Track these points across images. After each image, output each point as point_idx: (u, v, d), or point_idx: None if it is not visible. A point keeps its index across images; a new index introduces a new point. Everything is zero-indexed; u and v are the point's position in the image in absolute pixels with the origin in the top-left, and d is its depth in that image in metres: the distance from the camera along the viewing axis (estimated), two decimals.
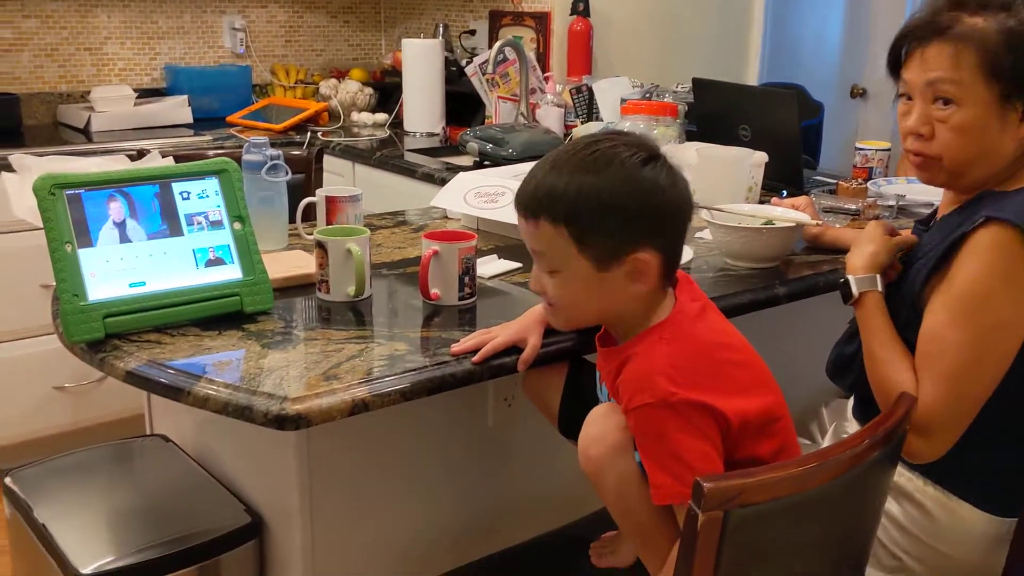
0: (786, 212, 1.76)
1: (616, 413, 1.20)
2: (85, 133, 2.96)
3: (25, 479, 1.55)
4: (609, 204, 1.13)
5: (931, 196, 2.14)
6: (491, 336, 1.32)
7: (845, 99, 4.21)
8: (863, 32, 4.16)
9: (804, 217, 1.72)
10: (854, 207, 2.02)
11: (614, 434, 1.18)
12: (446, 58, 3.24)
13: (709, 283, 1.63)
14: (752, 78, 3.72)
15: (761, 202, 2.13)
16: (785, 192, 2.26)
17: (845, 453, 1.07)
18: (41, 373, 2.66)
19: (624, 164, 1.15)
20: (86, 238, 1.33)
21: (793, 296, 1.64)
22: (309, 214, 1.85)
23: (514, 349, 1.33)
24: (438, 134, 3.18)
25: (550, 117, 2.88)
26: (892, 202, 2.10)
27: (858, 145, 2.42)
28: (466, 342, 1.32)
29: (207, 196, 1.45)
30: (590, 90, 2.89)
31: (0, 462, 2.34)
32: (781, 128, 2.26)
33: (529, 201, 1.18)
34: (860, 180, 2.21)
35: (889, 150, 2.41)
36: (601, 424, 1.20)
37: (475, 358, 1.30)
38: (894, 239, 1.44)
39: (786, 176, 2.27)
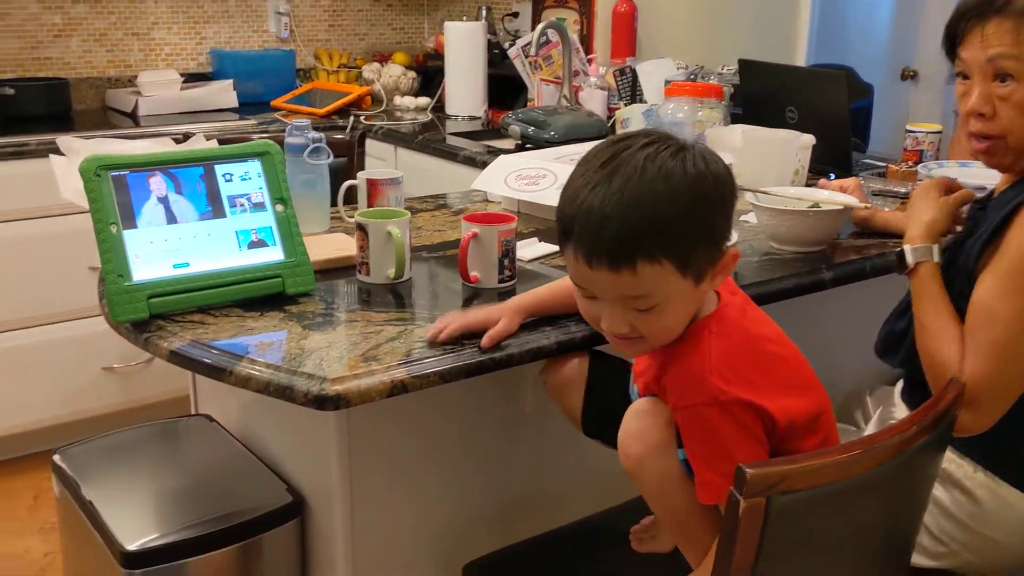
0: (833, 195, 1.73)
1: (656, 410, 1.16)
2: (132, 117, 3.00)
3: (73, 457, 1.58)
4: (694, 213, 1.05)
5: (984, 180, 2.09)
6: (464, 316, 1.29)
7: (895, 81, 4.12)
8: (914, 13, 4.06)
9: (852, 200, 1.69)
10: (903, 190, 1.97)
11: (655, 432, 1.14)
12: (488, 41, 3.22)
13: (754, 267, 1.61)
14: (800, 59, 3.65)
15: (808, 185, 2.10)
16: (833, 175, 2.22)
17: (892, 439, 1.04)
18: (90, 354, 2.71)
19: (675, 166, 1.05)
20: (131, 220, 1.35)
21: (840, 280, 1.61)
22: (351, 197, 1.86)
23: (553, 336, 1.32)
24: (480, 117, 3.17)
25: (593, 100, 2.85)
26: None
27: (908, 127, 2.37)
28: (436, 325, 1.28)
29: (250, 178, 1.45)
30: (634, 72, 2.86)
31: (50, 441, 2.40)
32: (830, 110, 2.21)
33: (617, 248, 1.03)
34: (910, 163, 2.16)
35: (940, 133, 2.35)
36: (641, 421, 1.16)
37: (427, 335, 1.26)
38: (951, 199, 1.43)
39: (834, 159, 2.23)
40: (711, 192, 1.06)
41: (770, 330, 1.19)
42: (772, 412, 1.10)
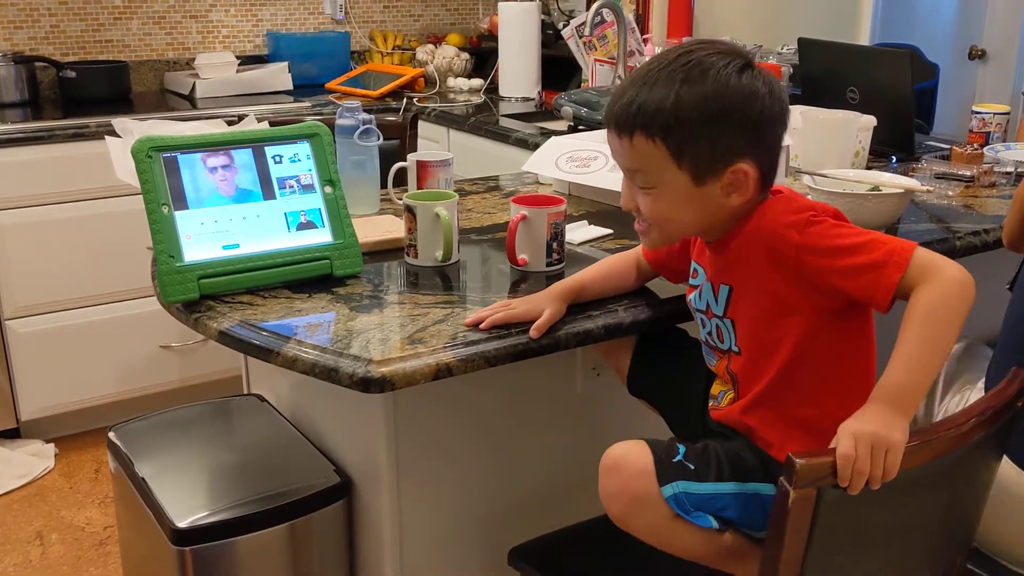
0: (894, 178, 1.67)
1: (625, 460, 1.16)
2: (190, 99, 3.04)
3: (127, 434, 1.61)
4: (707, 115, 1.10)
5: None
6: (509, 308, 1.28)
7: (963, 61, 3.99)
8: None
9: (913, 183, 1.64)
10: (968, 173, 1.91)
11: (630, 486, 1.15)
12: (543, 21, 3.19)
13: None
14: (864, 39, 3.55)
15: (869, 167, 2.04)
16: (895, 157, 2.16)
17: (949, 432, 1.01)
18: (149, 332, 2.76)
19: (720, 73, 1.10)
20: (182, 201, 1.36)
21: None
22: (401, 179, 1.86)
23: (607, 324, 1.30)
24: (533, 99, 3.15)
25: None
26: (1010, 168, 1.98)
27: (975, 108, 2.29)
28: (481, 313, 1.27)
29: (299, 160, 1.46)
30: None
31: (110, 417, 2.45)
32: (892, 90, 2.15)
33: (622, 117, 1.14)
34: (976, 145, 2.09)
35: (1008, 114, 2.27)
36: (614, 479, 1.16)
37: (469, 320, 1.26)
38: None
39: (897, 141, 2.17)
40: (736, 105, 1.10)
41: None
42: None
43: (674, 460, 1.16)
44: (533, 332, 1.26)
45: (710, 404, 1.30)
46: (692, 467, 1.16)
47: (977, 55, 3.99)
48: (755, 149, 1.13)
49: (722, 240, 1.20)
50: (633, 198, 1.19)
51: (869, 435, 0.96)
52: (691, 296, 1.29)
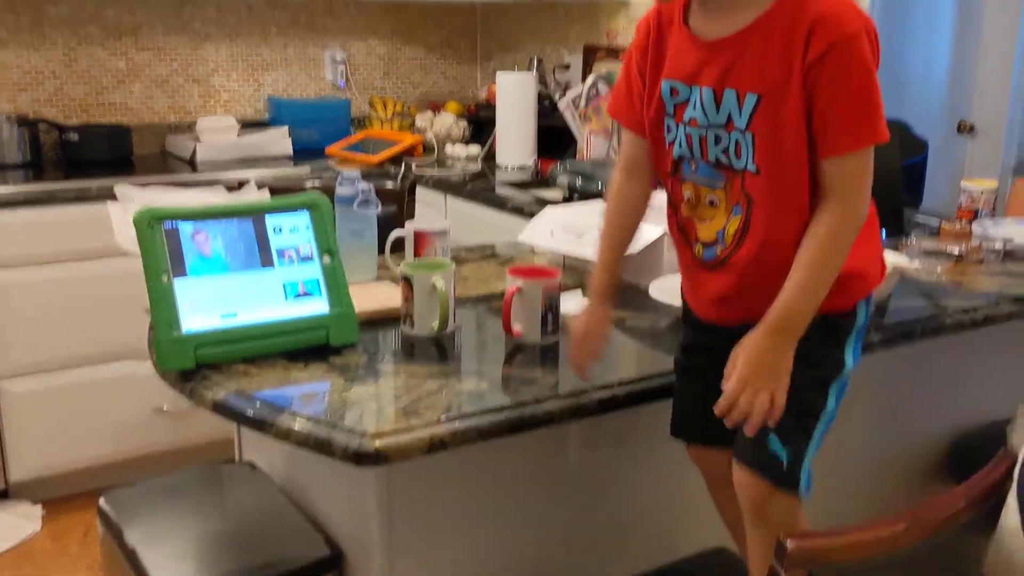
0: (884, 255, 1.70)
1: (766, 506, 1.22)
2: (191, 163, 3.08)
3: (118, 502, 1.60)
4: None
5: None
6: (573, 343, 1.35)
7: (952, 135, 4.07)
8: (970, 65, 4.02)
9: (902, 261, 1.66)
10: (957, 250, 1.94)
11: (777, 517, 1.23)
12: (539, 92, 3.26)
13: None
14: None
15: None
16: (885, 232, 2.19)
17: (938, 513, 1.02)
18: (143, 394, 2.75)
19: None
20: (181, 269, 1.38)
21: (888, 343, 1.58)
22: (398, 246, 1.88)
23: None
24: (529, 167, 3.19)
25: None
26: (999, 245, 2.01)
27: (963, 184, 2.33)
28: (578, 362, 1.35)
29: (298, 230, 1.48)
30: None
31: (101, 479, 2.44)
32: (880, 167, 2.18)
33: None
34: (965, 221, 2.12)
35: (996, 190, 2.31)
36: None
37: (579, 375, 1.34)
38: None
39: (886, 217, 2.19)
40: None
41: None
42: None
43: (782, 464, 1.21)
44: (579, 373, 1.34)
45: (701, 257, 1.28)
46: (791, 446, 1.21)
47: (966, 129, 4.07)
48: None
49: (734, 5, 1.14)
50: None
51: (756, 375, 1.13)
52: (687, 115, 1.22)
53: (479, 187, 2.88)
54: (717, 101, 1.17)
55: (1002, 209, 2.43)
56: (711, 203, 1.25)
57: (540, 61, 3.42)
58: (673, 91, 1.22)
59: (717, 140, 1.20)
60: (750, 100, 1.14)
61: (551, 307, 1.49)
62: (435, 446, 1.19)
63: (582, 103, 2.92)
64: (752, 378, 1.13)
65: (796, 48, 1.09)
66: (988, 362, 1.94)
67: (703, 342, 1.35)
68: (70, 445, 2.71)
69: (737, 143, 1.18)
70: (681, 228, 1.31)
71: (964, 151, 4.09)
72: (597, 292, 1.37)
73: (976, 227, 2.15)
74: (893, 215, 2.19)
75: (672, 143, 1.25)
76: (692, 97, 1.20)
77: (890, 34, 3.77)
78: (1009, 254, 2.01)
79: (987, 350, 1.86)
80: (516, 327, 1.49)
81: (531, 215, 2.48)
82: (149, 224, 1.36)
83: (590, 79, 2.81)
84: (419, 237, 1.80)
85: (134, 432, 2.79)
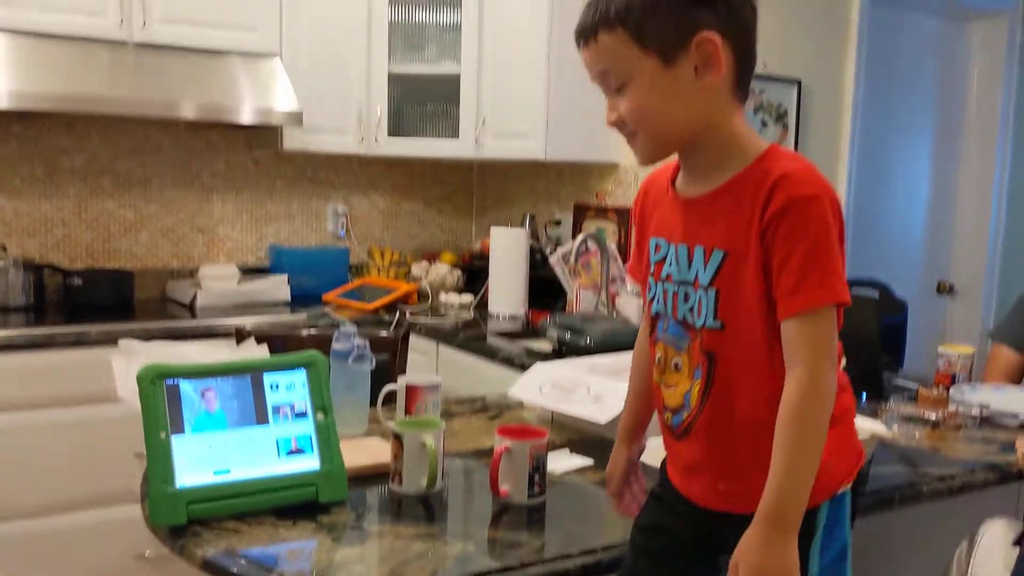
0: (861, 421, 1.75)
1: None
2: (190, 308, 3.15)
3: None
4: None
5: (1017, 406, 2.10)
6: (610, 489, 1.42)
7: (932, 295, 4.19)
8: (948, 226, 4.18)
9: (880, 428, 1.71)
10: (934, 417, 1.99)
11: None
12: (531, 245, 3.38)
13: None
14: None
15: None
16: (865, 395, 2.25)
17: None
18: (125, 539, 2.73)
19: None
20: (179, 425, 1.42)
21: (866, 510, 1.60)
22: (390, 398, 1.92)
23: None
24: (520, 317, 3.28)
25: (629, 306, 2.95)
26: (975, 411, 2.06)
27: (940, 350, 2.40)
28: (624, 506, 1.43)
29: (294, 388, 1.53)
30: None
31: None
32: (859, 332, 2.26)
33: (583, 26, 1.16)
34: (942, 387, 2.18)
35: (973, 356, 2.38)
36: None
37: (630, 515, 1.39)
38: None
39: (865, 380, 2.26)
40: None
41: None
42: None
43: None
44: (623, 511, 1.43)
45: (671, 425, 1.27)
46: None
47: (945, 289, 4.19)
48: (718, 17, 1.12)
49: (715, 167, 1.18)
50: (613, 109, 1.18)
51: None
52: (664, 271, 1.24)
53: (470, 336, 2.94)
54: (689, 257, 1.20)
55: (980, 374, 2.49)
56: (676, 367, 1.25)
57: (533, 217, 3.56)
58: (656, 247, 1.26)
59: (686, 298, 1.21)
60: (716, 256, 1.16)
61: (538, 467, 1.53)
62: None
63: (572, 259, 3.03)
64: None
65: (757, 206, 1.12)
66: (963, 529, 1.96)
67: (667, 523, 1.32)
68: None
69: (700, 300, 1.19)
70: (656, 394, 1.33)
71: (944, 311, 4.20)
72: (619, 434, 1.44)
73: (954, 392, 2.21)
74: (872, 378, 2.25)
75: (651, 300, 1.29)
76: (669, 254, 1.23)
77: (868, 197, 3.94)
78: (986, 420, 2.06)
79: (964, 516, 1.88)
80: (504, 487, 1.52)
81: (521, 366, 2.54)
82: (152, 381, 1.41)
83: (580, 237, 2.93)
84: (411, 391, 1.85)
85: None
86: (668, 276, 1.24)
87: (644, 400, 1.40)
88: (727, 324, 1.17)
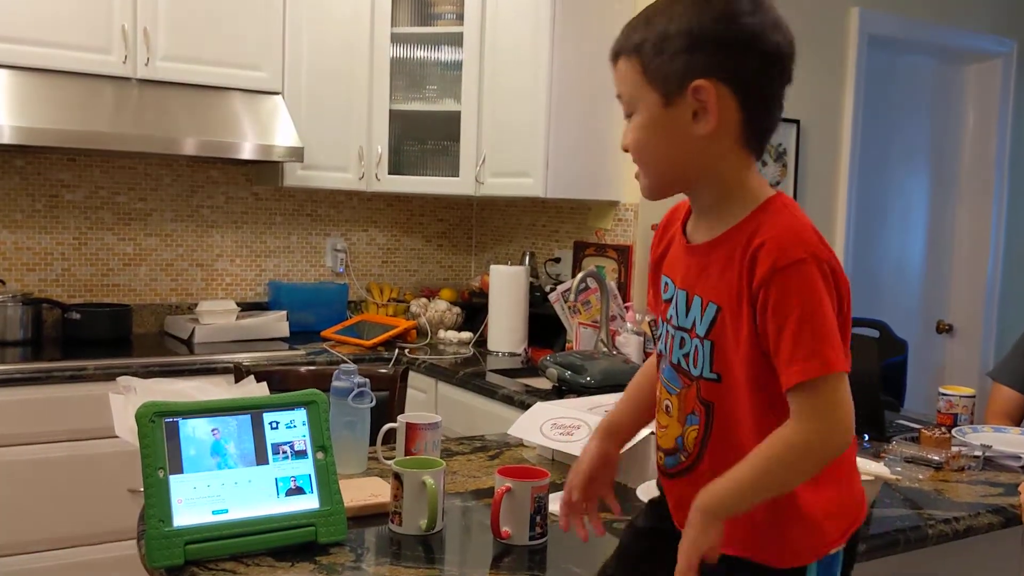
0: (865, 464, 1.74)
1: None
2: (188, 344, 3.14)
3: None
4: (678, 26, 1.11)
5: (1018, 448, 2.09)
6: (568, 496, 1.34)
7: (931, 334, 4.19)
8: (945, 266, 4.20)
9: (883, 471, 1.70)
10: (937, 458, 1.98)
11: None
12: (531, 283, 3.38)
13: None
14: None
15: None
16: (867, 436, 2.24)
17: None
18: None
19: (730, 2, 1.11)
20: (178, 465, 1.40)
21: (872, 553, 1.59)
22: (390, 437, 1.91)
23: None
24: (520, 354, 3.27)
25: (629, 344, 2.94)
26: (978, 452, 2.05)
27: (941, 391, 2.39)
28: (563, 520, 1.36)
29: (294, 426, 1.52)
30: None
31: None
32: (860, 373, 2.24)
33: (613, 48, 1.18)
34: (944, 428, 2.17)
35: (974, 397, 2.37)
36: None
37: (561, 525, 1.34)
38: None
39: (867, 420, 2.24)
40: (709, 20, 1.10)
41: None
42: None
43: None
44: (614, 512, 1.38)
45: (664, 465, 1.25)
46: None
47: (944, 329, 4.20)
48: (725, 72, 1.10)
49: (715, 215, 1.17)
50: (627, 134, 1.18)
51: (694, 552, 1.08)
52: (668, 312, 1.24)
53: (470, 373, 2.93)
54: (687, 305, 1.19)
55: (981, 415, 2.48)
56: (666, 408, 1.24)
57: (532, 254, 3.57)
58: (665, 287, 1.26)
59: (682, 344, 1.20)
60: (711, 310, 1.15)
61: (540, 508, 1.51)
62: None
63: (572, 296, 3.03)
64: (689, 550, 1.09)
65: (744, 270, 1.11)
66: (968, 572, 1.94)
67: (656, 524, 1.32)
68: None
69: (696, 349, 1.18)
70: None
71: (944, 350, 4.19)
72: (607, 429, 1.37)
73: (956, 434, 2.20)
74: (873, 418, 2.24)
75: (658, 338, 1.28)
76: (674, 297, 1.23)
77: (866, 236, 3.96)
78: (988, 461, 2.05)
79: (966, 560, 1.86)
80: (505, 529, 1.50)
81: (521, 404, 2.53)
82: (151, 419, 1.40)
83: (580, 275, 2.93)
84: (411, 429, 1.84)
85: None
86: (670, 319, 1.23)
87: (635, 405, 1.38)
88: (723, 376, 1.16)
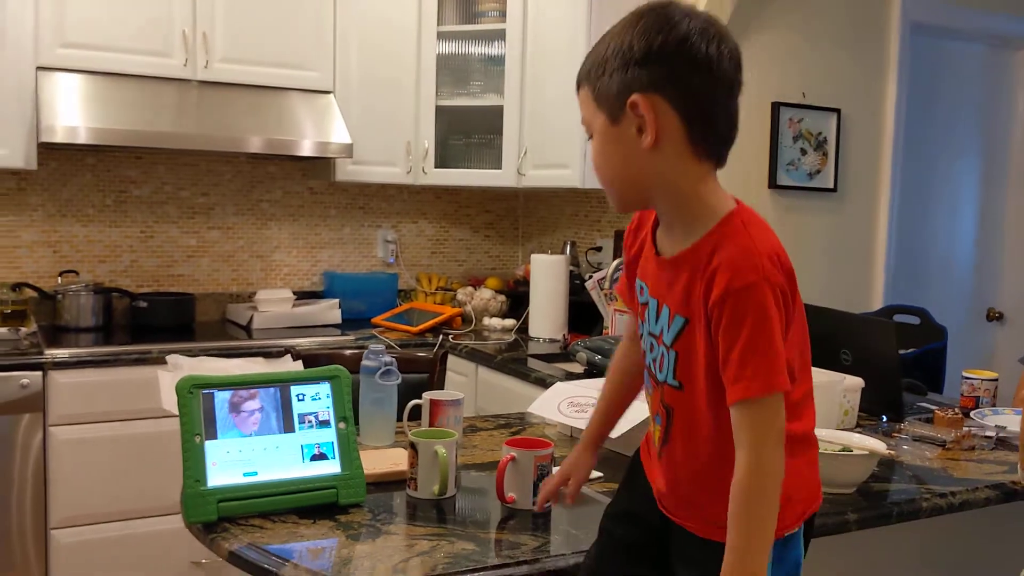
0: (863, 440, 1.81)
1: None
2: (247, 330, 3.34)
3: None
4: (614, 47, 1.17)
5: None
6: (550, 482, 1.47)
7: (981, 322, 4.16)
8: (996, 254, 4.16)
9: (879, 446, 1.77)
10: (943, 437, 2.03)
11: None
12: (572, 271, 3.48)
13: None
14: (876, 302, 3.76)
15: (859, 426, 2.17)
16: (885, 418, 2.29)
17: None
18: (181, 547, 2.90)
19: (660, 19, 1.15)
20: (213, 431, 1.56)
21: (864, 523, 1.67)
22: (417, 413, 2.04)
23: None
24: (560, 340, 3.38)
25: None
26: (991, 432, 2.09)
27: (964, 374, 2.43)
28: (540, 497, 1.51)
29: (319, 398, 1.66)
30: None
31: None
32: (879, 356, 2.31)
33: (576, 77, 1.24)
34: (957, 410, 2.22)
35: (996, 380, 2.40)
36: None
37: (536, 508, 1.44)
38: None
39: (886, 403, 2.30)
40: (648, 39, 1.14)
41: None
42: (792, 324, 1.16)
43: None
44: (568, 500, 1.51)
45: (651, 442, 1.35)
46: None
47: (995, 317, 4.16)
48: (663, 88, 1.14)
49: (678, 228, 1.22)
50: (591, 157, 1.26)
51: None
52: (644, 314, 1.30)
53: (508, 358, 3.05)
54: (657, 313, 1.26)
55: (1010, 398, 2.50)
56: (648, 400, 1.36)
57: (574, 243, 3.67)
58: (640, 290, 1.35)
59: (651, 348, 1.29)
60: (678, 321, 1.22)
61: (543, 476, 1.62)
62: None
63: (607, 284, 3.13)
64: None
65: (702, 289, 1.17)
66: (972, 547, 1.99)
67: (639, 510, 1.40)
68: None
69: (662, 356, 1.25)
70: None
71: (994, 338, 4.16)
72: (585, 439, 1.53)
73: (975, 416, 2.24)
74: (891, 401, 2.30)
75: (641, 336, 1.37)
76: (648, 302, 1.29)
77: (912, 224, 3.95)
78: (1002, 442, 2.09)
79: (966, 534, 1.91)
80: (509, 494, 1.62)
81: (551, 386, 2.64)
82: (189, 390, 1.56)
83: (614, 263, 3.02)
84: (434, 405, 1.97)
85: None
86: (646, 322, 1.31)
87: (615, 408, 1.52)
88: (684, 385, 1.23)
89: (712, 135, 1.18)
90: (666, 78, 1.14)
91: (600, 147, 1.22)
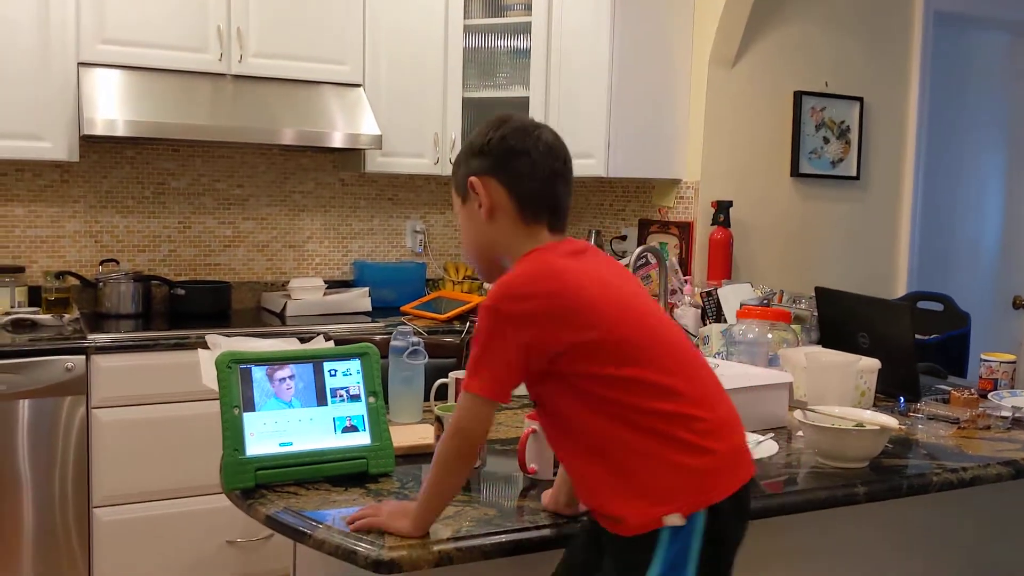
0: (875, 416, 1.86)
1: None
2: (281, 317, 3.44)
3: None
4: (462, 147, 1.51)
5: None
6: (373, 513, 1.45)
7: (1008, 309, 4.17)
8: (1022, 243, 4.16)
9: (891, 422, 1.82)
10: (956, 417, 2.07)
11: None
12: None
13: (795, 478, 1.75)
14: (900, 288, 3.79)
15: (876, 406, 2.22)
16: (902, 398, 2.34)
17: None
18: (216, 527, 3.01)
19: (496, 121, 1.48)
20: (250, 404, 1.65)
21: (873, 496, 1.72)
22: (444, 392, 2.12)
23: None
24: None
25: (687, 316, 3.08)
26: (1007, 412, 2.14)
27: (983, 357, 2.47)
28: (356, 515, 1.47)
29: (350, 374, 1.74)
30: (718, 294, 3.10)
31: None
32: (895, 339, 2.36)
33: None
34: (972, 390, 2.26)
35: (1015, 362, 2.44)
36: None
37: (352, 527, 1.44)
38: None
39: (902, 384, 2.35)
40: (481, 136, 1.47)
41: (595, 275, 1.40)
42: (545, 339, 1.34)
43: None
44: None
45: None
46: None
47: (1021, 305, 4.17)
48: (494, 171, 1.45)
49: None
50: None
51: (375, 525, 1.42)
52: None
53: None
54: None
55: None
56: None
57: (599, 232, 3.73)
58: None
59: None
60: None
61: None
62: (443, 560, 1.39)
63: (631, 271, 3.19)
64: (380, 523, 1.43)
65: None
66: (977, 522, 2.03)
67: None
68: (150, 571, 2.96)
69: None
70: None
71: (1020, 326, 4.17)
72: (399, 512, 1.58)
73: (992, 397, 2.28)
74: (907, 383, 2.34)
75: None
76: None
77: (937, 212, 3.97)
78: (1017, 422, 2.13)
79: (978, 510, 1.95)
80: (531, 465, 1.69)
81: None
82: (228, 365, 1.65)
83: (638, 250, 3.08)
84: (459, 384, 2.04)
85: (207, 563, 3.02)
86: None
87: None
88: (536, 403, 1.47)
89: (542, 205, 1.46)
90: (493, 165, 1.46)
91: (461, 224, 1.52)
